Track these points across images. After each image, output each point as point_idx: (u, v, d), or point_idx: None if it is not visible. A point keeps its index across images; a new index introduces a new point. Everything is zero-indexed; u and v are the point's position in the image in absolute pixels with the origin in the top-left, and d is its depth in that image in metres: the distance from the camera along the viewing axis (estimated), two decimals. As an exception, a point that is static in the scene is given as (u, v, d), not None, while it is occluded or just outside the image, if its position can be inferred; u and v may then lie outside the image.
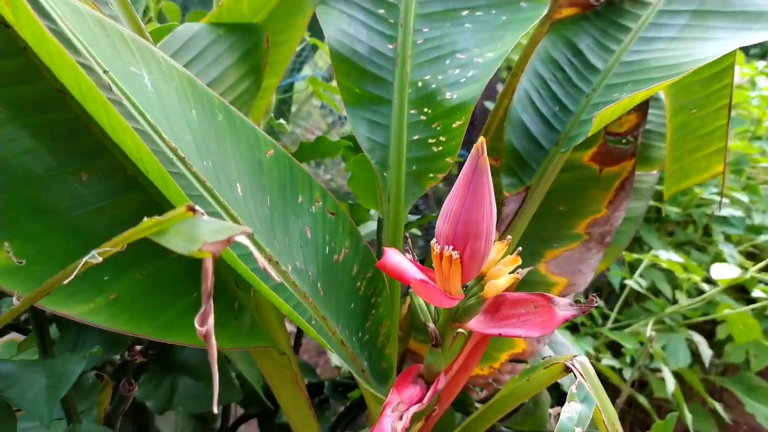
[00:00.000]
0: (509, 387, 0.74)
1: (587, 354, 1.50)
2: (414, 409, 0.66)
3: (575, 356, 0.68)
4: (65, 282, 0.41)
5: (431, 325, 0.76)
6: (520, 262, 0.74)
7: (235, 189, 0.67)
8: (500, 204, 0.94)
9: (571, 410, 0.61)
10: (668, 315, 1.62)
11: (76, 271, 0.40)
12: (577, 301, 0.74)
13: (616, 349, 1.64)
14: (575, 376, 0.65)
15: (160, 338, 0.53)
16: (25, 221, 0.49)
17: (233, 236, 0.38)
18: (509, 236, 0.75)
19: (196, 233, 0.38)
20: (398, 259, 0.67)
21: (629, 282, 1.65)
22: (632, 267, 1.82)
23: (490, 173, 0.69)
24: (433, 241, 0.73)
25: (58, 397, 0.57)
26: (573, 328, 1.73)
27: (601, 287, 1.85)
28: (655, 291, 1.86)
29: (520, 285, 0.95)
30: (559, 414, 0.68)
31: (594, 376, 0.65)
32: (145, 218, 0.39)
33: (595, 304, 0.75)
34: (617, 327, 1.68)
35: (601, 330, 1.62)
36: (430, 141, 0.90)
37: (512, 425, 1.10)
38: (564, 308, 0.74)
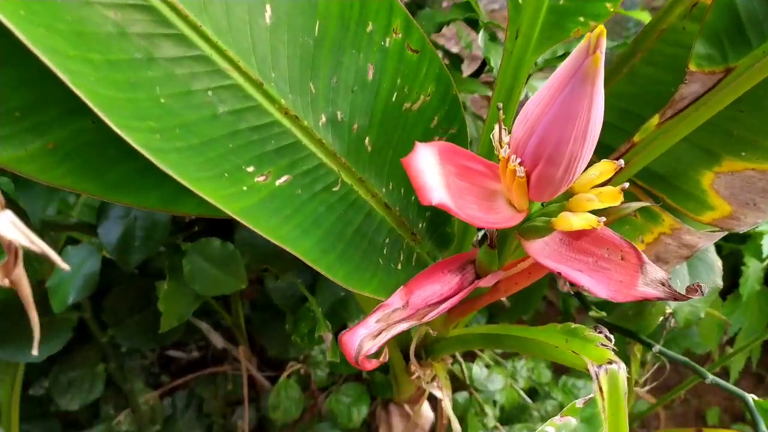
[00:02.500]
0: (541, 333, 0.60)
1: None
2: (404, 325, 0.57)
3: (610, 361, 0.50)
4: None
5: (490, 225, 0.62)
6: (620, 200, 0.53)
7: (261, 14, 0.52)
8: (679, 79, 0.65)
9: (561, 425, 0.47)
10: None
11: None
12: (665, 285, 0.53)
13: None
14: (593, 386, 0.49)
15: (103, 197, 0.48)
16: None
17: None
18: (622, 161, 0.52)
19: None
20: (424, 165, 0.51)
21: None
22: None
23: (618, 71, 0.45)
24: (506, 137, 0.54)
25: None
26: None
27: None
28: None
29: (665, 188, 0.72)
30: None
31: (620, 394, 0.49)
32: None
33: (696, 295, 0.53)
34: None
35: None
36: None
37: (617, 322, 0.96)
38: (649, 283, 0.54)
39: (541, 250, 0.59)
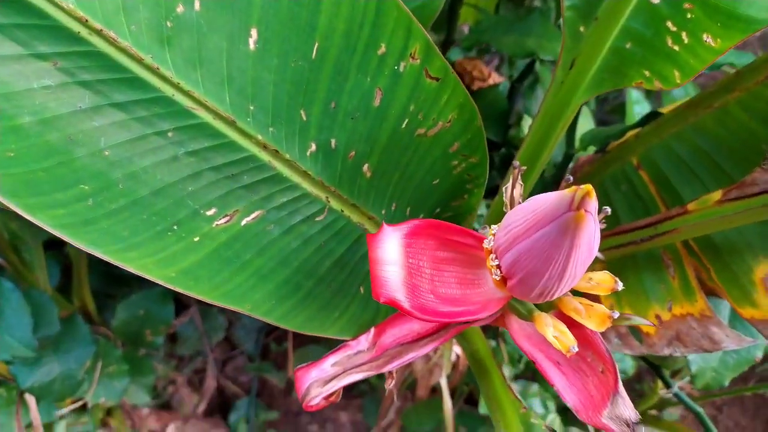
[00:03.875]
0: (508, 403, 0.57)
1: None
2: (362, 374, 0.56)
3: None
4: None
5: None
6: (605, 327, 0.46)
7: (244, 40, 0.46)
8: (755, 152, 0.53)
9: None
10: None
11: None
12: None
13: None
14: None
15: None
16: None
17: None
18: (620, 283, 0.45)
19: None
20: (385, 255, 0.46)
21: None
22: None
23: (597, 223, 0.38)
24: (493, 228, 0.47)
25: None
26: None
27: None
28: None
29: (714, 261, 0.62)
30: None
31: None
32: None
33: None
34: None
35: None
36: (669, 26, 0.47)
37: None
38: (613, 418, 0.48)
39: (523, 329, 0.54)
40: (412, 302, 0.46)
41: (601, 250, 0.68)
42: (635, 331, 0.69)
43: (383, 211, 0.61)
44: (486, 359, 0.68)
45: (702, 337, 0.61)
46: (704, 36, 0.46)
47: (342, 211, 0.57)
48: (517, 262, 0.42)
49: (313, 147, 0.53)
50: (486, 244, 0.47)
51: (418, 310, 0.47)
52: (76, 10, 0.39)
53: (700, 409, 0.79)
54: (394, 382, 0.58)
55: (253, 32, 0.46)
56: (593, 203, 0.35)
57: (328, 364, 0.57)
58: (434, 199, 0.64)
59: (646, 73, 0.50)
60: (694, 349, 0.62)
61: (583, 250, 0.39)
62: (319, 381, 0.56)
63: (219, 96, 0.46)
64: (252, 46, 0.47)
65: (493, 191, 1.17)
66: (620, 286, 0.46)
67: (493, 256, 0.46)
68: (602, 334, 0.72)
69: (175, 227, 0.46)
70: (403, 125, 0.55)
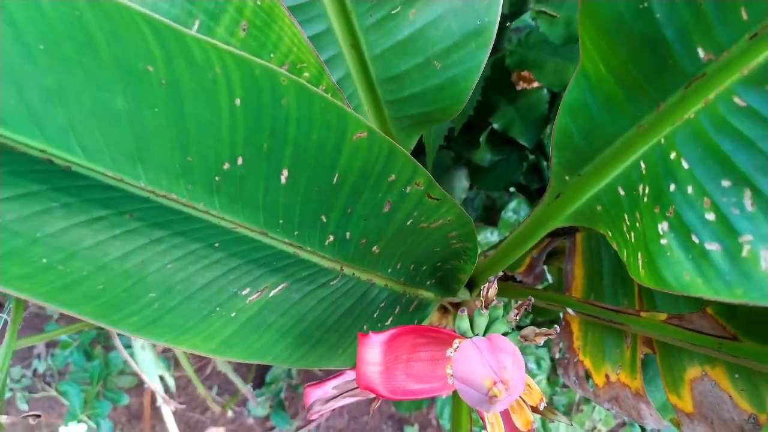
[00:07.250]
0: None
1: None
2: (353, 398, 0.73)
3: None
4: None
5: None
6: (528, 429, 0.61)
7: (277, 177, 0.58)
8: None
9: None
10: None
11: None
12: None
13: None
14: None
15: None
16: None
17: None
18: (543, 402, 0.59)
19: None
20: (368, 357, 0.60)
21: None
22: None
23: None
24: (455, 344, 0.61)
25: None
26: None
27: None
28: None
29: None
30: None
31: None
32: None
33: None
34: None
35: None
36: (625, 218, 0.54)
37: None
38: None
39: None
40: (387, 388, 0.62)
41: (574, 310, 0.80)
42: (591, 379, 0.83)
43: (389, 270, 0.74)
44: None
45: (633, 408, 0.75)
46: (639, 259, 0.54)
47: (353, 274, 0.71)
48: (460, 392, 0.57)
49: (331, 238, 0.66)
50: (448, 353, 0.61)
51: (391, 392, 0.62)
52: (146, 186, 0.52)
53: None
54: (379, 402, 0.75)
55: (285, 172, 0.58)
56: (502, 405, 0.48)
57: (330, 387, 0.74)
58: (435, 259, 0.77)
59: (610, 233, 0.59)
60: (626, 414, 0.76)
61: (504, 404, 0.52)
62: (321, 400, 0.74)
63: (254, 219, 0.59)
64: (283, 181, 0.58)
65: (517, 186, 1.26)
66: (543, 401, 0.59)
67: (450, 366, 0.60)
68: (565, 371, 0.86)
69: (218, 309, 0.62)
70: (408, 223, 0.67)
